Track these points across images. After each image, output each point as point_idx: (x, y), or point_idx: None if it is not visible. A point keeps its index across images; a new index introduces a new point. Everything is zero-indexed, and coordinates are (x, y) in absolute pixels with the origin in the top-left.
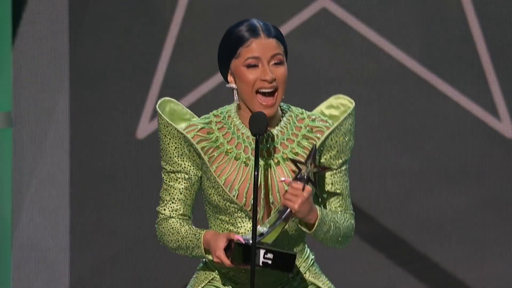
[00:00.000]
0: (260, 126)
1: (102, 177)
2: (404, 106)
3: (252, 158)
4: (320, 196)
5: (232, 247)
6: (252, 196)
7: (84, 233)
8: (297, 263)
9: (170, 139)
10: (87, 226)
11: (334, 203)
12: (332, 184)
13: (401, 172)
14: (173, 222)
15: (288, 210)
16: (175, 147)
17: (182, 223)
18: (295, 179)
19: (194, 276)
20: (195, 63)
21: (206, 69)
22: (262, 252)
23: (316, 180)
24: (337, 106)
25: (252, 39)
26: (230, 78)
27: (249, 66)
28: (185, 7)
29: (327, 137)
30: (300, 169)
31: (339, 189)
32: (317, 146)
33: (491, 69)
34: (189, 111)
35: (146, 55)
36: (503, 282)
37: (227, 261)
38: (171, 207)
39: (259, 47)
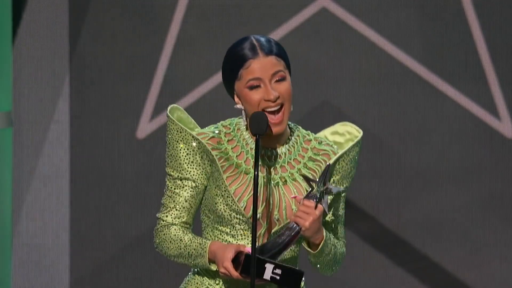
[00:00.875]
0: (261, 125)
1: (102, 177)
2: (403, 106)
3: (261, 174)
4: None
5: (241, 259)
6: (260, 210)
7: (84, 233)
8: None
9: (182, 144)
10: (87, 226)
11: (329, 228)
12: (331, 208)
13: (401, 172)
14: (175, 229)
15: (298, 227)
16: (187, 153)
17: (184, 231)
18: (307, 197)
19: (182, 286)
20: (195, 63)
21: (205, 69)
22: (271, 266)
23: (326, 200)
24: (343, 133)
25: (251, 60)
26: (236, 99)
27: (252, 88)
28: (185, 7)
29: (335, 162)
30: (312, 188)
31: (336, 215)
32: (329, 167)
33: (491, 69)
34: (193, 120)
35: (146, 55)
36: (503, 282)
37: (235, 273)
38: (174, 214)
39: (259, 66)
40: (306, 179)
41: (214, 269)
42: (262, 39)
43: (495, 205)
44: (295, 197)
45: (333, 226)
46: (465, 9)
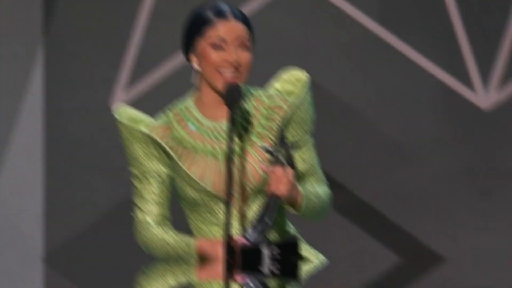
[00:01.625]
0: (235, 96)
1: (77, 148)
2: (378, 78)
3: (219, 149)
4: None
5: (235, 253)
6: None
7: (58, 205)
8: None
9: (135, 142)
10: (62, 198)
11: (310, 179)
12: (303, 161)
13: (375, 144)
14: (155, 230)
15: (275, 198)
16: (143, 151)
17: (165, 229)
18: (273, 164)
19: None
20: (170, 33)
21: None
22: (267, 250)
23: (292, 159)
24: (291, 81)
25: (220, 20)
26: (193, 58)
27: (214, 46)
28: None
29: (292, 113)
30: (274, 155)
31: (311, 164)
32: (280, 125)
33: (465, 40)
34: (142, 114)
35: (121, 24)
36: (477, 253)
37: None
38: (147, 210)
39: (225, 29)
40: (265, 149)
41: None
42: (232, 6)
43: (470, 176)
44: (262, 169)
45: (312, 175)
46: None
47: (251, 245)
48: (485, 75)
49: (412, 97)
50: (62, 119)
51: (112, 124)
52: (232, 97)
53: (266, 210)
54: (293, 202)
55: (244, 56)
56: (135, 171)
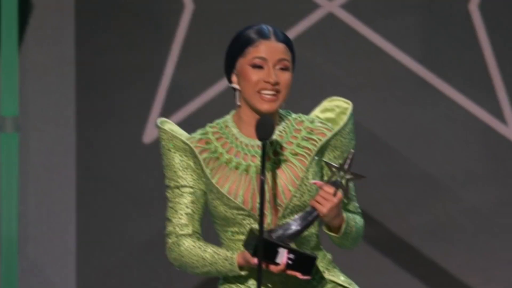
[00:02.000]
0: (267, 130)
1: (109, 182)
2: (410, 111)
3: (253, 164)
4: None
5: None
6: (258, 200)
7: (90, 238)
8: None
9: (174, 152)
10: (93, 231)
11: (348, 207)
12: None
13: (408, 176)
14: (189, 246)
15: (316, 212)
16: (180, 160)
17: (198, 244)
18: (328, 182)
19: None
20: (201, 69)
21: (212, 75)
22: (284, 251)
23: (348, 187)
24: (332, 109)
25: (261, 40)
26: (234, 78)
27: (255, 66)
28: (191, 13)
29: (332, 138)
30: (333, 174)
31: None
32: (319, 146)
33: (498, 74)
34: (184, 132)
35: (153, 60)
36: (509, 286)
37: (252, 260)
38: (179, 223)
39: (267, 49)
40: (328, 165)
41: (244, 273)
42: (274, 27)
43: (502, 210)
44: (315, 183)
45: (348, 202)
46: (472, 13)
47: (271, 240)
48: None
49: (445, 130)
50: (93, 155)
51: (144, 158)
52: (265, 131)
53: (300, 218)
54: (333, 225)
55: (284, 77)
56: (169, 183)
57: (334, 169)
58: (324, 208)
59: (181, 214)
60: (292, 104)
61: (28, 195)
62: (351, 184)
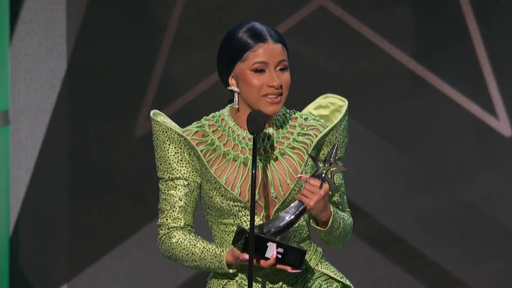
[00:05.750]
0: (258, 124)
1: (101, 176)
2: (401, 105)
3: (250, 157)
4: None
5: (241, 237)
6: (256, 191)
7: (82, 232)
8: (307, 257)
9: (169, 144)
10: (85, 225)
11: (332, 202)
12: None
13: (398, 170)
14: (180, 239)
15: (303, 206)
16: (175, 152)
17: (189, 238)
18: (313, 176)
19: (207, 286)
20: (192, 62)
21: (203, 68)
22: (273, 245)
23: (333, 179)
24: (327, 106)
25: (260, 44)
26: (232, 81)
27: (256, 71)
28: (182, 6)
29: (326, 134)
30: (318, 167)
31: (337, 187)
32: (316, 142)
33: (489, 67)
34: (176, 124)
35: (144, 54)
36: (499, 280)
37: (242, 256)
38: (172, 216)
39: (266, 52)
40: (313, 158)
41: (232, 271)
42: (266, 26)
43: (493, 203)
44: (300, 177)
45: (336, 198)
46: (463, 6)
47: (259, 235)
48: (508, 103)
49: (435, 123)
50: (85, 149)
51: (136, 152)
52: (255, 125)
53: (287, 212)
54: (320, 219)
55: (285, 78)
56: (163, 175)
57: (319, 162)
58: (311, 201)
59: (174, 207)
60: (295, 100)
61: (19, 190)
62: (342, 182)
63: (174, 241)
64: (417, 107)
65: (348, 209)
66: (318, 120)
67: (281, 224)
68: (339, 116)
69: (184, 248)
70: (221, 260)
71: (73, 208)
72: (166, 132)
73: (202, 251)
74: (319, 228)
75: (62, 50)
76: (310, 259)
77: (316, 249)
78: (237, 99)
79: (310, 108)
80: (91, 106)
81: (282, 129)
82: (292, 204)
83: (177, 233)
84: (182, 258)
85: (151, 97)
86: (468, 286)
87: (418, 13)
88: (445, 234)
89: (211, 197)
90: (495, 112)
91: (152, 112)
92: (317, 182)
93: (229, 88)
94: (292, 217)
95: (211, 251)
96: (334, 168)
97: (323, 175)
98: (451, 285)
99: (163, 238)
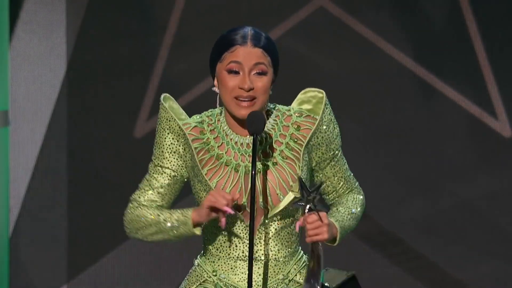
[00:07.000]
0: (258, 125)
1: (100, 176)
2: (400, 105)
3: (242, 164)
4: (326, 182)
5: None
6: (244, 199)
7: (81, 232)
8: (289, 265)
9: (168, 133)
10: (84, 225)
11: (341, 189)
12: (333, 175)
13: (397, 171)
14: (147, 208)
15: (319, 246)
16: (171, 143)
17: (158, 207)
18: (305, 214)
19: (185, 278)
20: (192, 62)
21: (203, 68)
22: None
23: (323, 203)
24: (309, 100)
25: (238, 46)
26: (215, 82)
27: (230, 72)
28: (182, 6)
29: (312, 136)
30: (304, 203)
31: (342, 175)
32: (305, 143)
33: (488, 68)
34: (183, 111)
35: (144, 54)
36: (498, 281)
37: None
38: (148, 197)
39: (243, 54)
40: (296, 202)
41: (199, 233)
42: (257, 32)
43: (492, 203)
44: (298, 226)
45: (343, 184)
46: (462, 7)
47: None
48: (508, 103)
49: (435, 124)
50: (84, 149)
51: (135, 152)
52: (256, 126)
53: (315, 261)
54: (331, 239)
55: (261, 82)
56: (154, 160)
57: (301, 200)
58: (323, 235)
59: (153, 190)
60: (282, 97)
61: (19, 190)
62: (345, 166)
63: (140, 211)
64: (417, 107)
65: (355, 185)
66: (312, 117)
67: (316, 271)
68: (322, 107)
69: (147, 214)
70: (187, 215)
71: (73, 208)
72: (169, 121)
73: (169, 212)
74: (332, 244)
75: (62, 50)
76: (290, 270)
77: (301, 257)
78: (218, 100)
79: (294, 105)
80: (91, 106)
81: (275, 131)
82: (309, 256)
83: (146, 208)
84: (145, 224)
85: (151, 97)
86: (468, 286)
87: (417, 13)
88: (445, 234)
89: (201, 198)
90: (494, 112)
91: (162, 96)
92: (314, 216)
93: (213, 88)
94: (318, 260)
95: (177, 211)
96: (315, 195)
97: (313, 206)
98: (451, 285)
99: (130, 211)
